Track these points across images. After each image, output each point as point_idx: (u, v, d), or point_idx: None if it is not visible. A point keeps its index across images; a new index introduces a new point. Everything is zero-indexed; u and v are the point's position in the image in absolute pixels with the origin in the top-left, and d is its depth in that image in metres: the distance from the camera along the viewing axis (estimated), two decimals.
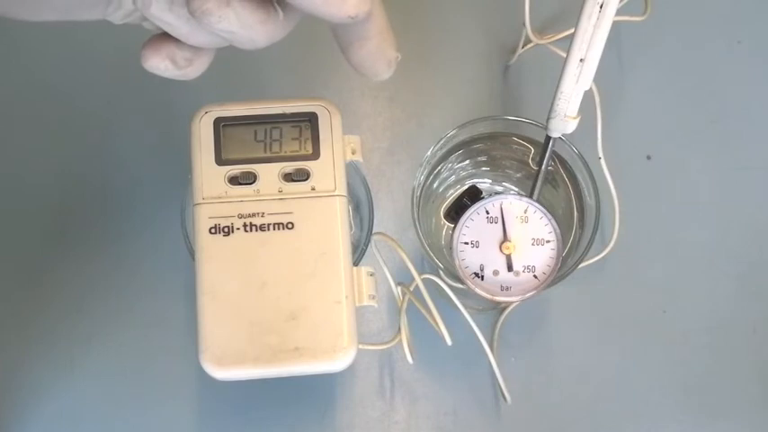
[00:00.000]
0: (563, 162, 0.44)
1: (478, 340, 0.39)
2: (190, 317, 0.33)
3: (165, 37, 0.28)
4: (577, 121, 0.37)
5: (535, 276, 0.40)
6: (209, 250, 0.33)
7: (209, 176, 0.34)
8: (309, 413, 0.46)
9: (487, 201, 0.40)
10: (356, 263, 0.36)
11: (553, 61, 0.43)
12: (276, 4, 0.26)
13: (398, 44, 0.29)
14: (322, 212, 0.34)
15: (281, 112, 0.35)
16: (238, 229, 0.33)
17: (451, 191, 0.45)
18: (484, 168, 0.46)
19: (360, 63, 0.29)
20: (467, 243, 0.40)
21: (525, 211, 0.40)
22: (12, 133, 0.51)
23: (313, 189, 0.34)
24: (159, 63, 0.28)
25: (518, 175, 0.46)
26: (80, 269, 0.48)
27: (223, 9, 0.24)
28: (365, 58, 0.29)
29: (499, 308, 0.47)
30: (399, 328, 0.39)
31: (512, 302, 0.45)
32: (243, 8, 0.25)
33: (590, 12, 0.34)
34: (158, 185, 0.49)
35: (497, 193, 0.42)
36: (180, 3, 0.26)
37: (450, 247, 0.40)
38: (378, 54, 0.29)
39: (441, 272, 0.42)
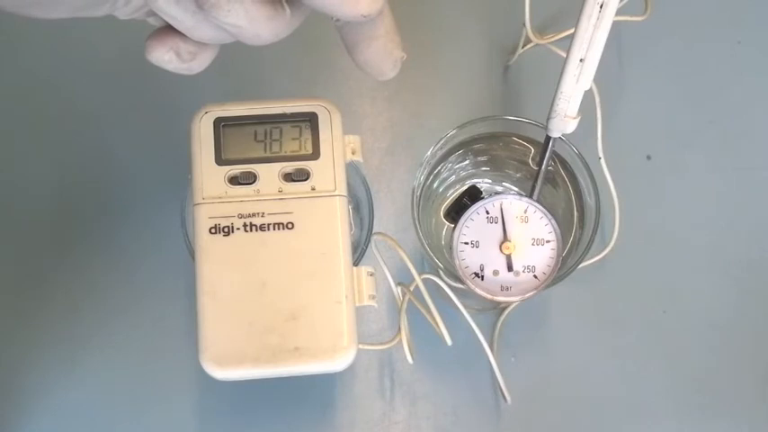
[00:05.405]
0: (563, 162, 0.44)
1: (478, 340, 0.39)
2: (190, 317, 0.33)
3: (170, 29, 0.28)
4: (577, 121, 0.37)
5: (535, 276, 0.40)
6: (209, 250, 0.33)
7: (209, 176, 0.34)
8: (309, 413, 0.46)
9: (487, 201, 0.40)
10: (356, 263, 0.36)
11: (553, 61, 0.43)
12: (284, 1, 0.26)
13: (404, 44, 0.29)
14: (322, 212, 0.34)
15: (281, 112, 0.35)
16: (238, 229, 0.33)
17: (451, 191, 0.45)
18: (484, 168, 0.46)
19: (366, 62, 0.29)
20: (467, 243, 0.40)
21: (525, 211, 0.40)
22: (11, 133, 0.51)
23: (313, 189, 0.34)
24: (163, 55, 0.28)
25: (518, 175, 0.46)
26: (80, 269, 0.48)
27: (231, 3, 0.24)
28: (371, 58, 0.29)
29: (499, 308, 0.47)
30: (399, 328, 0.39)
31: (512, 302, 0.45)
32: (251, 3, 0.25)
33: (590, 12, 0.34)
34: (158, 185, 0.49)
35: (497, 193, 0.42)
36: None
37: (450, 247, 0.40)
38: (384, 54, 0.29)
39: (441, 272, 0.42)
